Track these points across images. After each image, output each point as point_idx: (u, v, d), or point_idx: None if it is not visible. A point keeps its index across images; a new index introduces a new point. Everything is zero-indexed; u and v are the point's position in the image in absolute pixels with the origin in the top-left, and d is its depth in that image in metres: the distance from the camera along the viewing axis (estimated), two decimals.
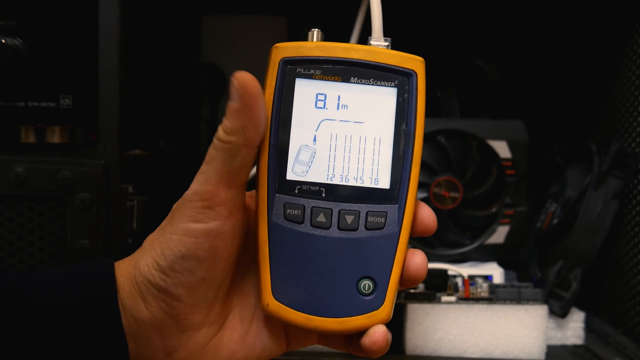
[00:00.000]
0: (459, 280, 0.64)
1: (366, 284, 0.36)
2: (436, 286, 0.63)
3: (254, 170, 0.37)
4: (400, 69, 0.37)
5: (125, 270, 0.37)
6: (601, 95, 0.75)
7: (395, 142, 0.37)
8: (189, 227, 0.34)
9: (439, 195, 0.70)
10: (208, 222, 0.34)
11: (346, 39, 0.56)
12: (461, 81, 0.81)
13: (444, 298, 0.63)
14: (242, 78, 0.34)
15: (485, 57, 0.80)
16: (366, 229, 0.37)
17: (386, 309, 0.37)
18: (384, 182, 0.37)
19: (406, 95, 0.37)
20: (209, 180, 0.34)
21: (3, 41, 0.54)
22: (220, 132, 0.34)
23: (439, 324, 0.62)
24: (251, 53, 0.83)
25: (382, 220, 0.37)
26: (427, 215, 0.38)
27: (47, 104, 0.57)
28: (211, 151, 0.34)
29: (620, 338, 0.67)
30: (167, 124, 0.78)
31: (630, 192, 0.68)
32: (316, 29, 0.38)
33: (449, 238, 0.72)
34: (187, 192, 0.35)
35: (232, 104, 0.34)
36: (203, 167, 0.35)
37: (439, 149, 0.71)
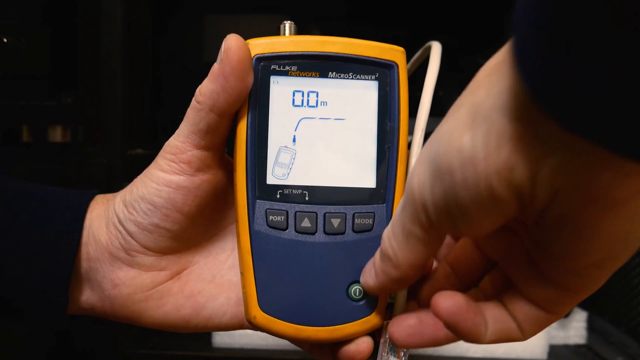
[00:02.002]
0: None
1: (357, 289, 0.35)
2: None
3: None
4: (380, 60, 0.35)
5: (107, 197, 0.39)
6: None
7: (379, 138, 0.35)
8: (154, 173, 0.35)
9: None
10: (171, 174, 0.35)
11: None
12: (463, 80, 0.80)
13: None
14: (230, 43, 0.33)
15: (487, 56, 0.80)
16: (354, 231, 0.35)
17: (378, 314, 0.35)
18: (370, 181, 0.35)
19: (388, 88, 0.35)
20: (179, 136, 0.35)
21: (5, 40, 0.54)
22: (197, 91, 0.34)
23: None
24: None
25: (370, 221, 0.35)
26: None
27: (48, 103, 0.57)
28: (187, 110, 0.35)
29: (622, 338, 0.67)
30: (169, 123, 0.78)
31: None
32: (288, 22, 0.36)
33: None
34: (166, 142, 0.36)
35: (214, 66, 0.33)
36: (181, 124, 0.35)
37: None
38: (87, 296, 0.38)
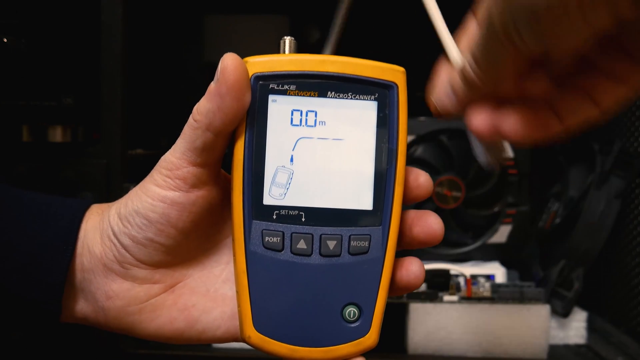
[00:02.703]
0: (462, 280, 0.64)
1: (351, 311, 0.35)
2: (438, 286, 0.63)
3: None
4: (380, 81, 0.35)
5: (102, 207, 0.39)
6: None
7: (377, 159, 0.35)
8: (149, 188, 0.36)
9: (441, 194, 0.70)
10: (166, 189, 0.35)
11: (347, 38, 0.56)
12: None
13: (447, 297, 0.63)
14: (226, 63, 0.33)
15: None
16: (349, 253, 0.35)
17: (372, 336, 0.35)
18: (367, 203, 0.35)
19: (387, 110, 0.35)
20: (175, 152, 0.35)
21: (5, 40, 0.54)
22: (194, 109, 0.34)
23: (442, 324, 0.62)
24: (253, 52, 0.83)
25: (366, 244, 0.35)
26: (435, 222, 0.36)
27: (48, 102, 0.57)
28: (185, 126, 0.35)
29: (622, 337, 0.67)
30: (169, 123, 0.78)
31: (633, 192, 0.67)
32: (288, 38, 0.35)
33: (451, 237, 0.71)
34: (162, 157, 0.36)
35: (210, 85, 0.33)
36: (177, 139, 0.35)
37: (441, 148, 0.70)
38: (81, 306, 0.38)
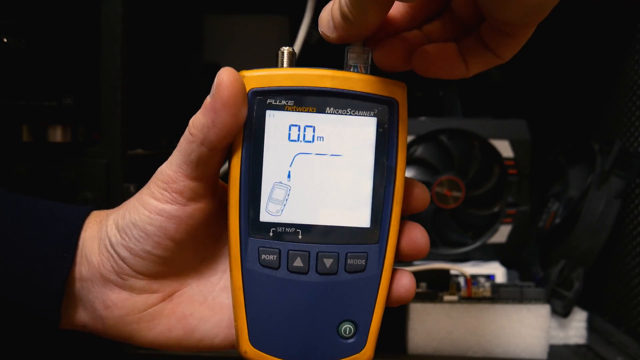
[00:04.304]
0: (462, 280, 0.64)
1: (347, 328, 0.35)
2: (438, 286, 0.63)
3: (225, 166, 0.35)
4: (380, 97, 0.34)
5: (101, 216, 0.38)
6: (604, 94, 0.75)
7: (376, 177, 0.35)
8: (146, 200, 0.36)
9: (441, 194, 0.70)
10: (163, 203, 0.35)
11: None
12: (463, 80, 0.80)
13: (447, 297, 0.63)
14: (222, 78, 0.32)
15: None
16: (346, 271, 0.35)
17: (368, 352, 0.35)
18: (364, 221, 0.35)
19: (386, 126, 0.34)
20: (171, 165, 0.35)
21: (5, 40, 0.54)
22: (190, 122, 0.34)
23: (442, 324, 0.62)
24: (253, 52, 0.83)
25: (363, 262, 0.35)
26: (420, 236, 0.36)
27: (48, 102, 0.57)
28: (181, 139, 0.35)
29: (622, 337, 0.67)
30: (169, 123, 0.78)
31: (633, 192, 0.67)
32: (287, 48, 0.35)
33: (451, 237, 0.71)
34: (158, 168, 0.36)
35: (206, 99, 0.33)
36: (174, 152, 0.35)
37: (441, 148, 0.70)
38: (80, 315, 0.38)
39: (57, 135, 0.58)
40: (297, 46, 0.59)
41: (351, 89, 0.34)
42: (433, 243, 0.72)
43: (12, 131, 0.58)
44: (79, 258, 0.37)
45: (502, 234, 0.71)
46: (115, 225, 0.36)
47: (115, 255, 0.36)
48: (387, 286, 0.35)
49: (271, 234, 0.34)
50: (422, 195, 0.36)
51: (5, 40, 0.54)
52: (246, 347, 0.35)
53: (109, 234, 0.37)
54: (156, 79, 0.77)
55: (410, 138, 0.69)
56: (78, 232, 0.37)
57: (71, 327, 0.38)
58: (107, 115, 0.55)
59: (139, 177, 0.58)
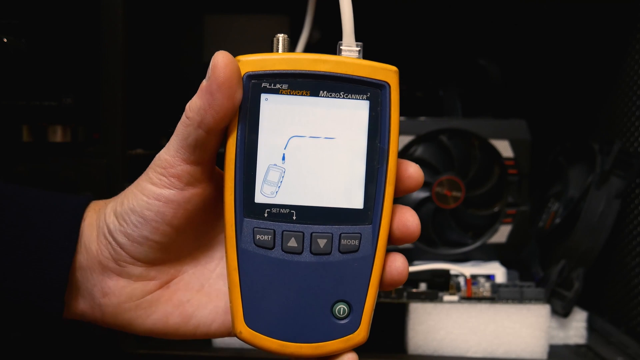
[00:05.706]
0: (461, 280, 0.64)
1: (341, 308, 0.36)
2: (438, 286, 0.63)
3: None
4: (372, 80, 0.35)
5: (99, 205, 0.39)
6: (604, 94, 0.75)
7: (369, 158, 0.35)
8: (144, 186, 0.36)
9: (441, 194, 0.70)
10: (161, 188, 0.35)
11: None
12: (463, 80, 0.80)
13: (446, 297, 0.63)
14: (217, 60, 0.33)
15: (487, 57, 0.80)
16: (340, 252, 0.35)
17: (362, 332, 0.36)
18: (357, 202, 0.36)
19: (379, 109, 0.35)
20: (169, 150, 0.35)
21: (5, 40, 0.54)
22: (187, 106, 0.34)
23: (441, 324, 0.62)
24: (253, 52, 0.83)
25: (356, 242, 0.35)
26: (411, 220, 0.36)
27: (48, 102, 0.57)
28: (178, 124, 0.35)
29: (622, 338, 0.67)
30: (169, 123, 0.78)
31: (633, 192, 0.67)
32: (281, 35, 0.36)
33: (451, 237, 0.71)
34: (156, 155, 0.36)
35: (202, 83, 0.33)
36: (171, 138, 0.35)
37: (441, 148, 0.70)
38: (79, 303, 0.38)
39: (57, 135, 0.58)
40: (300, 47, 0.59)
41: (344, 72, 0.35)
42: (433, 243, 0.72)
43: (12, 131, 0.58)
44: (78, 247, 0.37)
45: (502, 234, 0.71)
46: (113, 213, 0.37)
47: (113, 242, 0.37)
48: (381, 267, 0.36)
49: (266, 215, 0.35)
50: (416, 174, 0.37)
51: (5, 40, 0.54)
52: (241, 327, 0.36)
53: (107, 222, 0.37)
54: (156, 78, 0.77)
55: (410, 138, 0.69)
56: (79, 222, 0.37)
57: (71, 316, 0.39)
58: (107, 115, 0.55)
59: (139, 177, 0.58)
